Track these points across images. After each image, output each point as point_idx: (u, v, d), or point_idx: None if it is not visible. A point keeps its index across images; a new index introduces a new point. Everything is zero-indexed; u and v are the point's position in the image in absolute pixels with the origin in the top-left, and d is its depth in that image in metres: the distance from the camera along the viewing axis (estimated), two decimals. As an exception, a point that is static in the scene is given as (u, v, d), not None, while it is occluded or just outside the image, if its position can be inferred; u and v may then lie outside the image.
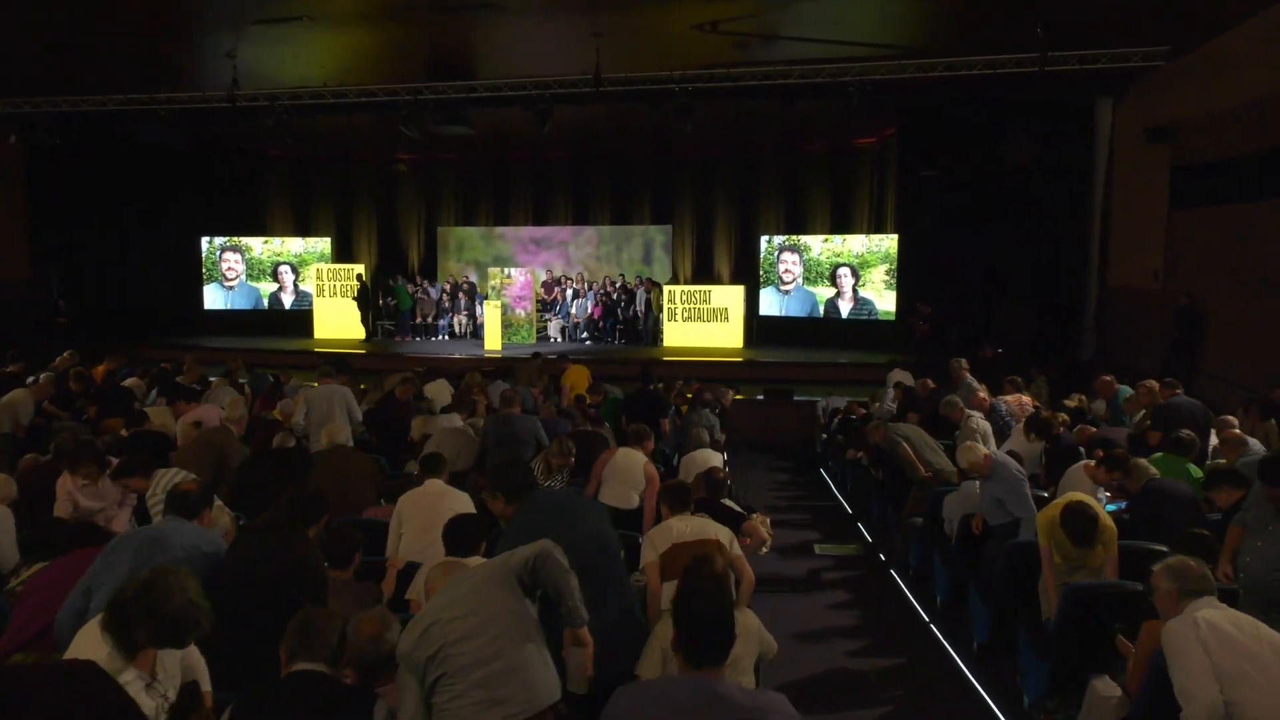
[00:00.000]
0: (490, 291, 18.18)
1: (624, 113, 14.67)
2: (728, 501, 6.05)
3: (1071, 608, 4.07)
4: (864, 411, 11.05)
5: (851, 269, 17.44)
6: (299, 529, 3.81)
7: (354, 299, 18.33)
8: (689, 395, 10.34)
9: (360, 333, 18.31)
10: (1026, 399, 9.17)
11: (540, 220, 21.21)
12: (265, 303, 20.15)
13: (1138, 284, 13.02)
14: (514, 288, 18.02)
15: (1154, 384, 7.98)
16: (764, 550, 7.62)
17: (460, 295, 19.27)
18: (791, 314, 18.12)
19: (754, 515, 7.78)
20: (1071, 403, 9.44)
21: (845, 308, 17.57)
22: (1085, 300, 14.40)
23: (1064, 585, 4.28)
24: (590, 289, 19.13)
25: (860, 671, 5.21)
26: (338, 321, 18.43)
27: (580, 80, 12.81)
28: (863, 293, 17.35)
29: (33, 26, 11.30)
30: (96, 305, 17.88)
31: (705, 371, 15.22)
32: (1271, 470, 4.29)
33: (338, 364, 11.27)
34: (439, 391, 9.91)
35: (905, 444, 7.37)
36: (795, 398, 13.63)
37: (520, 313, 17.98)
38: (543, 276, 19.66)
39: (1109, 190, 13.83)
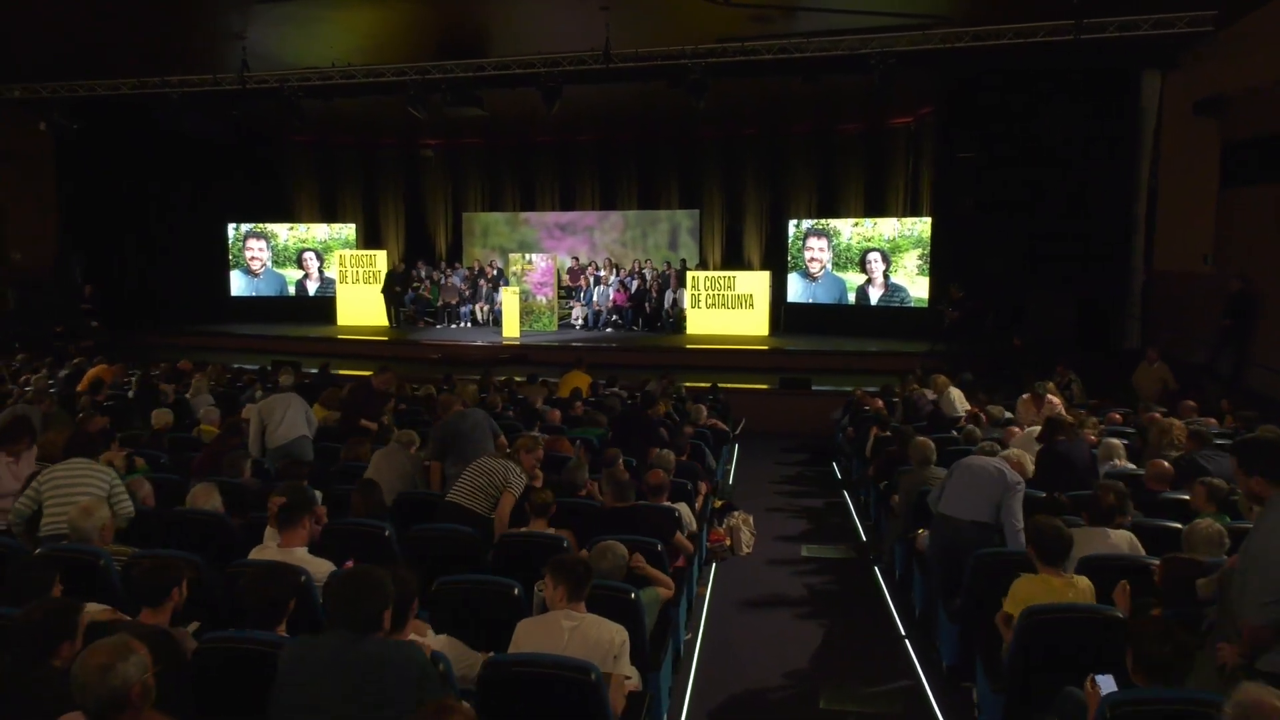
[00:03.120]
0: (511, 277, 17.83)
1: (650, 94, 14.14)
2: (675, 502, 5.58)
3: (1029, 634, 3.50)
4: (879, 403, 10.43)
5: (882, 254, 16.66)
6: None
7: (393, 286, 18.12)
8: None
9: (384, 320, 18.12)
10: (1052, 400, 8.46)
11: (566, 205, 20.77)
12: (291, 290, 20.08)
13: (1186, 268, 12.22)
14: (535, 274, 17.62)
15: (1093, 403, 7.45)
16: (745, 551, 7.16)
17: (482, 283, 18.93)
18: (820, 301, 17.42)
19: (735, 514, 7.32)
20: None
21: (876, 294, 16.80)
22: (1130, 286, 13.53)
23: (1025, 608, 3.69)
24: (617, 274, 18.63)
25: (812, 692, 4.66)
26: (361, 309, 18.26)
27: (590, 57, 12.37)
28: (894, 279, 16.56)
29: (44, 9, 11.28)
30: (122, 292, 17.97)
31: (725, 360, 14.75)
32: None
33: (325, 378, 11.06)
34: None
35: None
36: (815, 387, 13.05)
37: (541, 299, 17.58)
38: (568, 263, 19.26)
39: (1155, 168, 12.98)
